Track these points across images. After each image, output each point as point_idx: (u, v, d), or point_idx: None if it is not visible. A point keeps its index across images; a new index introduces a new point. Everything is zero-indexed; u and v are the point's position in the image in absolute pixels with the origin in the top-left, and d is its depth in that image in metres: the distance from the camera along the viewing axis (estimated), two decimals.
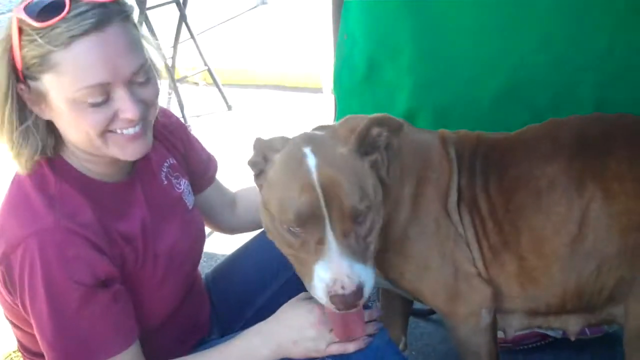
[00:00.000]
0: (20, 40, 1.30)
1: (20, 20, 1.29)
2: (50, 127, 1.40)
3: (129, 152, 1.42)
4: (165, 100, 4.63)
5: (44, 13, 1.27)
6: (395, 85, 2.15)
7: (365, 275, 1.35)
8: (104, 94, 1.32)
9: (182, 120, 1.91)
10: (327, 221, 1.35)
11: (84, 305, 1.35)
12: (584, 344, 2.18)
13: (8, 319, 1.53)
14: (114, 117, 1.35)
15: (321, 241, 1.36)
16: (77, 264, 1.34)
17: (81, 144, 1.40)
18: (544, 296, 1.64)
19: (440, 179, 1.65)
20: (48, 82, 1.31)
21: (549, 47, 2.01)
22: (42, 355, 1.43)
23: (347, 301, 1.33)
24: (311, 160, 1.40)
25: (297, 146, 1.46)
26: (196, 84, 5.39)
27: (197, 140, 1.86)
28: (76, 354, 1.39)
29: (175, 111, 3.87)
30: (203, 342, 1.77)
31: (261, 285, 1.87)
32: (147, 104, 1.41)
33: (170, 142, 1.72)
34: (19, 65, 1.31)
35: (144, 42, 1.42)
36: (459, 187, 1.65)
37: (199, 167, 1.83)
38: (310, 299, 1.48)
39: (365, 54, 2.17)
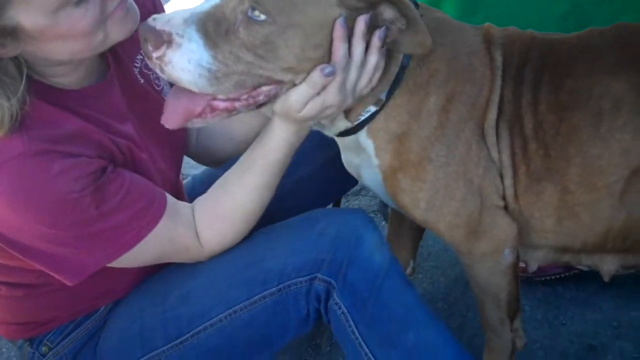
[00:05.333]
0: None
1: None
2: (17, 62, 1.19)
3: (130, 23, 1.25)
4: None
5: None
6: None
7: (189, 48, 1.13)
8: None
9: None
10: None
11: (100, 202, 1.22)
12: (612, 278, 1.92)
13: None
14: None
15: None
16: (66, 176, 1.19)
17: (77, 54, 1.22)
18: (583, 234, 1.44)
19: (480, 94, 1.36)
20: (15, 13, 1.11)
21: None
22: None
23: (143, 27, 1.13)
24: None
25: None
26: None
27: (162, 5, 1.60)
28: (116, 237, 1.27)
29: None
30: None
31: None
32: None
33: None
34: None
35: None
36: (501, 99, 1.38)
37: None
38: None
39: None
